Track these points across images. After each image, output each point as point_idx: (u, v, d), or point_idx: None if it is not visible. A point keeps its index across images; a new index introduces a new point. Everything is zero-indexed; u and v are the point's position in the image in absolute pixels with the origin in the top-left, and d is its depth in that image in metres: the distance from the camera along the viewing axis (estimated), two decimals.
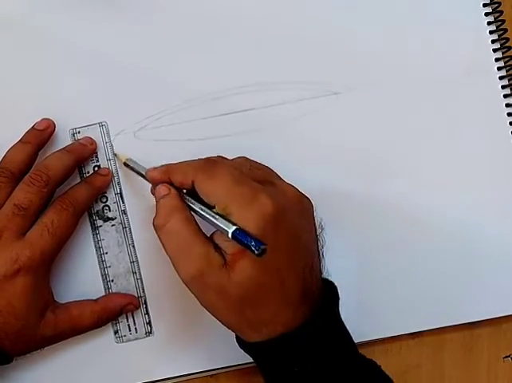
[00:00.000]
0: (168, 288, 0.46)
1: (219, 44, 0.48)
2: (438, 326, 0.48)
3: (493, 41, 0.48)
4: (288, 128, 0.48)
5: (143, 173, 0.43)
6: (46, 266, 0.43)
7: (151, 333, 0.47)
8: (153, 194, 0.42)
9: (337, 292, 0.42)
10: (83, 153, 0.46)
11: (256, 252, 0.36)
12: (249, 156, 0.46)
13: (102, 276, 0.47)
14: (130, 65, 0.47)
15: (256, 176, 0.40)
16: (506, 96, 0.48)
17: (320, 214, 0.44)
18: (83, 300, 0.46)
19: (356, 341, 0.47)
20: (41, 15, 0.47)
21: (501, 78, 0.48)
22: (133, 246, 0.47)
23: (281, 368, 0.40)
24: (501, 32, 0.48)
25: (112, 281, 0.46)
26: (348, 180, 0.48)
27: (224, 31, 0.48)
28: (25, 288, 0.41)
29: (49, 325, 0.43)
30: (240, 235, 0.37)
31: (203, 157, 0.42)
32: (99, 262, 0.46)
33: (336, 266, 0.45)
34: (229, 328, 0.41)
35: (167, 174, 0.41)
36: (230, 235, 0.37)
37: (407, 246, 0.48)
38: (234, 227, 0.37)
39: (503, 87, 0.48)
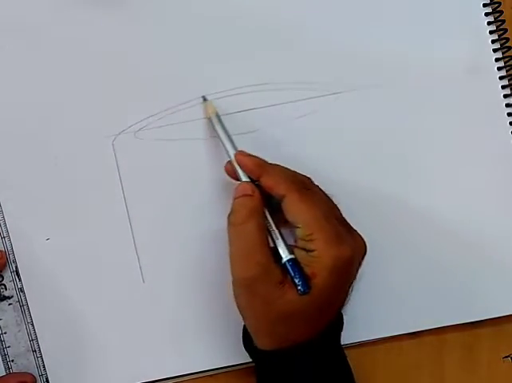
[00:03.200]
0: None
1: (220, 44, 0.48)
2: (438, 326, 0.48)
3: (493, 41, 0.48)
4: (288, 128, 0.48)
5: (228, 145, 0.43)
6: None
7: None
8: (228, 172, 0.43)
9: (343, 319, 0.43)
10: None
11: (299, 291, 0.39)
12: None
13: (2, 356, 0.46)
14: (130, 64, 0.47)
15: (337, 216, 0.42)
16: (506, 96, 0.48)
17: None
18: None
19: (356, 340, 0.47)
20: (40, 15, 0.47)
21: (501, 78, 0.48)
22: (32, 324, 0.46)
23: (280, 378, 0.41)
24: (501, 32, 0.48)
25: (13, 361, 0.46)
26: (348, 180, 0.48)
27: (224, 31, 0.48)
28: None
29: None
30: (292, 267, 0.40)
31: (291, 169, 0.43)
32: None
33: None
34: (249, 329, 0.42)
35: (259, 170, 0.41)
36: (283, 261, 0.40)
37: (406, 246, 0.48)
38: (291, 257, 0.40)
39: (503, 87, 0.48)
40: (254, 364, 0.43)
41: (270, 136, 0.47)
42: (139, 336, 0.47)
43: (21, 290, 0.46)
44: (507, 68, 0.48)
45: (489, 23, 0.48)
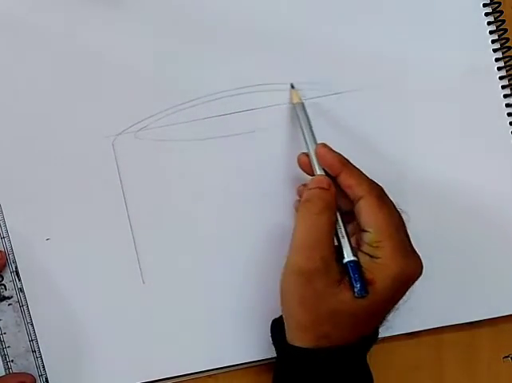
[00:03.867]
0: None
1: (220, 44, 0.48)
2: (437, 326, 0.48)
3: (493, 41, 0.48)
4: (289, 129, 0.48)
5: (309, 135, 0.44)
6: None
7: None
8: (301, 163, 0.44)
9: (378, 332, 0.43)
10: None
11: (355, 294, 0.39)
12: (249, 157, 0.47)
13: (2, 357, 0.46)
14: (131, 65, 0.47)
15: (405, 231, 0.41)
16: (506, 96, 0.48)
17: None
18: None
19: None
20: (40, 15, 0.47)
21: (501, 78, 0.48)
22: (31, 325, 0.46)
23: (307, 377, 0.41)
24: (501, 32, 0.48)
25: (12, 361, 0.46)
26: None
27: (225, 31, 0.48)
28: None
29: None
30: (353, 269, 0.39)
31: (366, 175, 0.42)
32: None
33: None
34: (286, 321, 0.41)
35: (340, 166, 0.41)
36: (345, 261, 0.40)
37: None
38: (354, 259, 0.40)
39: (503, 87, 0.48)
40: (253, 364, 0.43)
41: (271, 137, 0.47)
42: (138, 336, 0.47)
43: (21, 290, 0.46)
44: (507, 68, 0.48)
45: (489, 23, 0.48)
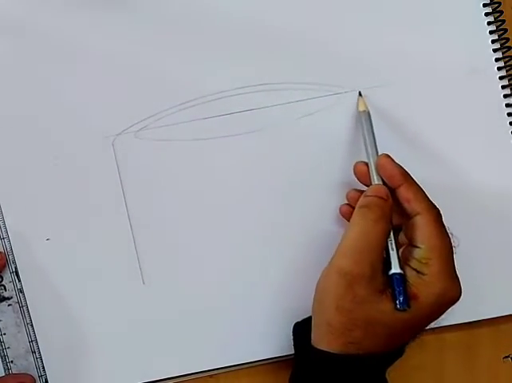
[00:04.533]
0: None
1: (220, 44, 0.48)
2: (437, 326, 0.48)
3: (493, 41, 0.48)
4: (289, 129, 0.48)
5: (371, 145, 0.44)
6: None
7: None
8: (357, 171, 0.44)
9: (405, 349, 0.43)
10: None
11: (398, 306, 0.39)
12: (249, 157, 0.47)
13: (1, 357, 0.46)
14: (131, 64, 0.47)
15: (452, 255, 0.42)
16: (506, 96, 0.48)
17: (319, 214, 0.45)
18: None
19: None
20: (40, 15, 0.47)
21: (501, 78, 0.48)
22: (31, 325, 0.46)
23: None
24: (501, 32, 0.48)
25: (12, 362, 0.46)
26: (349, 180, 0.48)
27: (225, 31, 0.48)
28: None
29: None
30: (398, 281, 0.40)
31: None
32: None
33: None
34: (317, 322, 0.41)
35: (401, 179, 0.42)
36: (390, 273, 0.40)
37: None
38: (400, 272, 0.40)
39: (503, 87, 0.48)
40: (253, 364, 0.43)
41: (271, 137, 0.47)
42: (138, 337, 0.47)
43: (21, 290, 0.46)
44: (507, 68, 0.48)
45: (489, 23, 0.48)
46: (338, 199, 0.47)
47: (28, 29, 0.47)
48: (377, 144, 0.46)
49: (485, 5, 0.48)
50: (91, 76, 0.47)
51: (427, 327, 0.42)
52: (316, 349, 0.41)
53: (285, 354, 0.47)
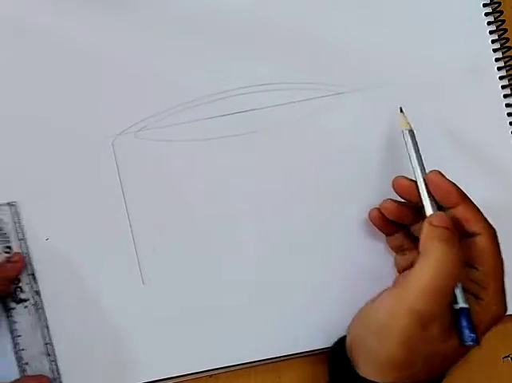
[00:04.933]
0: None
1: (220, 44, 0.48)
2: None
3: (493, 41, 0.48)
4: (290, 129, 0.48)
5: (418, 163, 0.43)
6: None
7: None
8: (400, 189, 0.43)
9: None
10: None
11: (470, 343, 0.38)
12: (249, 157, 0.47)
13: (17, 359, 0.46)
14: (131, 65, 0.47)
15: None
16: (506, 96, 0.48)
17: (319, 214, 0.45)
18: None
19: None
20: (39, 15, 0.47)
21: (501, 78, 0.48)
22: (47, 328, 0.46)
23: None
24: (501, 32, 0.48)
25: (27, 364, 0.46)
26: (349, 181, 0.48)
27: (226, 31, 0.48)
28: None
29: None
30: (463, 316, 0.39)
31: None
32: (13, 345, 0.46)
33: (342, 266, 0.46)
34: (372, 355, 0.40)
35: (458, 198, 0.41)
36: (457, 307, 0.39)
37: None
38: (467, 306, 0.39)
39: (503, 87, 0.48)
40: (253, 364, 0.43)
41: (271, 137, 0.47)
42: (138, 337, 0.47)
43: (38, 293, 0.46)
44: (507, 68, 0.48)
45: (489, 23, 0.48)
46: (339, 199, 0.47)
47: (28, 29, 0.47)
48: (377, 144, 0.46)
49: (485, 5, 0.48)
50: (91, 76, 0.47)
51: None
52: (368, 380, 0.40)
53: (284, 354, 0.47)
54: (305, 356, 0.47)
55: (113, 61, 0.47)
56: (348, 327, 0.43)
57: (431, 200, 0.42)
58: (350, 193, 0.47)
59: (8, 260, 0.45)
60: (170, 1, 0.47)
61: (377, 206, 0.46)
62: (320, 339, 0.46)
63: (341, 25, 0.48)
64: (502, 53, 0.48)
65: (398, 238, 0.45)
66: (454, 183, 0.41)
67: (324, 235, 0.47)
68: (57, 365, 0.46)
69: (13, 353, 0.46)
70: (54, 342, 0.46)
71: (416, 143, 0.44)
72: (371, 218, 0.46)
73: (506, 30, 0.48)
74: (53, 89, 0.47)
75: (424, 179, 0.42)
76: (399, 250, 0.46)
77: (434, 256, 0.38)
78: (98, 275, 0.47)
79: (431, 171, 0.42)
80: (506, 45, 0.48)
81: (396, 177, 0.44)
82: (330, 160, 0.48)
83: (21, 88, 0.47)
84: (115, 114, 0.47)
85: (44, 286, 0.46)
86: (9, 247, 0.46)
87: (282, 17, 0.48)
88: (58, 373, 0.46)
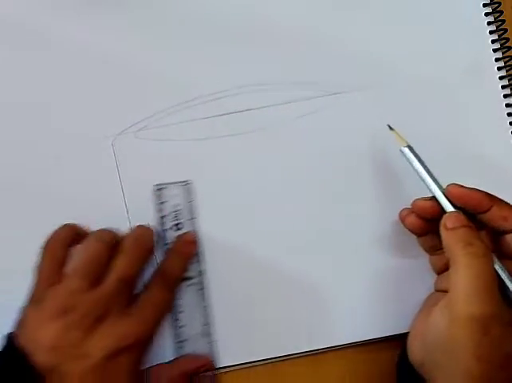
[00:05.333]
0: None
1: (220, 44, 0.48)
2: None
3: (493, 41, 0.48)
4: (288, 129, 0.48)
5: (427, 174, 0.43)
6: (149, 342, 0.42)
7: None
8: (422, 209, 0.43)
9: None
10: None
11: None
12: (249, 156, 0.47)
13: (174, 336, 0.46)
14: (131, 65, 0.47)
15: None
16: (506, 96, 0.48)
17: (319, 214, 0.45)
18: (159, 364, 0.45)
19: (356, 340, 0.47)
20: (39, 16, 0.47)
21: (501, 78, 0.48)
22: (209, 308, 0.46)
23: None
24: (501, 32, 0.48)
25: (185, 341, 0.46)
26: (348, 180, 0.48)
27: (224, 31, 0.48)
28: (133, 365, 0.40)
29: None
30: None
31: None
32: (172, 321, 0.46)
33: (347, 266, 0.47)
34: (444, 373, 0.39)
35: (490, 200, 0.41)
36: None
37: (406, 245, 0.48)
38: None
39: (503, 87, 0.48)
40: (253, 363, 0.43)
41: (270, 137, 0.47)
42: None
43: (203, 272, 0.46)
44: (507, 68, 0.48)
45: (489, 23, 0.48)
46: (338, 199, 0.47)
47: (28, 30, 0.47)
48: (377, 144, 0.46)
49: (485, 5, 0.48)
50: (91, 76, 0.47)
51: None
52: None
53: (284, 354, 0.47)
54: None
55: (113, 61, 0.47)
56: (409, 348, 0.42)
57: (458, 210, 0.41)
58: (350, 193, 0.47)
59: (187, 241, 0.45)
60: (169, 2, 0.47)
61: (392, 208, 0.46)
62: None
63: (340, 24, 0.48)
64: (502, 53, 0.48)
65: (430, 238, 0.45)
66: (475, 189, 0.41)
67: (324, 234, 0.47)
68: (215, 346, 0.46)
69: (171, 329, 0.46)
70: (215, 323, 0.46)
71: (418, 156, 0.43)
72: (402, 219, 0.45)
73: (506, 30, 0.48)
74: (53, 89, 0.47)
75: (444, 194, 0.42)
76: (432, 250, 0.45)
77: (462, 262, 0.38)
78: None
79: (449, 186, 0.42)
80: (506, 45, 0.48)
81: (414, 201, 0.43)
82: (328, 160, 0.48)
83: (21, 88, 0.47)
84: (115, 114, 0.47)
85: (209, 266, 0.46)
86: (178, 225, 0.46)
87: (280, 17, 0.48)
88: (215, 355, 0.46)
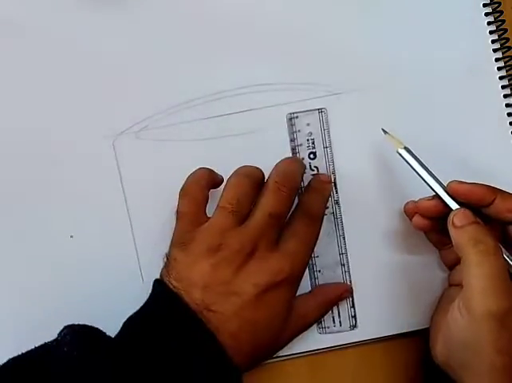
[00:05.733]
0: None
1: (220, 44, 0.48)
2: None
3: (493, 41, 0.48)
4: (288, 129, 0.48)
5: (427, 174, 0.43)
6: (299, 277, 0.42)
7: (355, 326, 0.47)
8: (423, 209, 0.43)
9: None
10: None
11: None
12: (249, 157, 0.47)
13: (309, 265, 0.46)
14: (131, 65, 0.47)
15: None
16: (506, 96, 0.48)
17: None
18: (301, 296, 0.44)
19: (356, 340, 0.47)
20: (39, 16, 0.47)
21: (501, 78, 0.48)
22: (343, 238, 0.47)
23: None
24: (501, 32, 0.48)
25: (320, 271, 0.46)
26: (348, 180, 0.48)
27: (224, 31, 0.48)
28: (285, 300, 0.41)
29: (287, 330, 0.42)
30: None
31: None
32: None
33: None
34: (472, 372, 0.39)
35: (493, 192, 0.41)
36: None
37: (407, 245, 0.48)
38: None
39: (503, 87, 0.48)
40: None
41: (270, 137, 0.48)
42: None
43: (337, 202, 0.47)
44: (507, 68, 0.48)
45: (489, 23, 0.48)
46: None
47: (28, 29, 0.47)
48: (376, 144, 0.46)
49: (485, 5, 0.48)
50: (91, 76, 0.47)
51: None
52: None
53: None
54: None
55: (113, 61, 0.47)
56: (433, 349, 0.43)
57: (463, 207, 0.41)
58: (349, 193, 0.47)
59: (324, 181, 0.46)
60: (169, 2, 0.47)
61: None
62: None
63: (339, 25, 0.48)
64: (502, 53, 0.48)
65: (438, 234, 0.45)
66: (477, 183, 0.42)
67: (324, 232, 0.47)
68: (350, 276, 0.46)
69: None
70: (349, 253, 0.47)
71: (416, 156, 0.43)
72: (407, 214, 0.45)
73: (506, 30, 0.48)
74: (53, 90, 0.47)
75: (447, 191, 0.42)
76: (441, 245, 0.46)
77: (474, 260, 0.38)
78: (96, 274, 0.47)
79: (450, 183, 0.42)
80: (506, 45, 0.48)
81: (417, 202, 0.44)
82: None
83: (21, 89, 0.47)
84: (115, 114, 0.47)
85: (343, 196, 0.47)
86: (314, 154, 0.47)
87: (280, 17, 0.48)
88: (350, 284, 0.47)
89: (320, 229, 0.44)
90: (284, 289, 0.40)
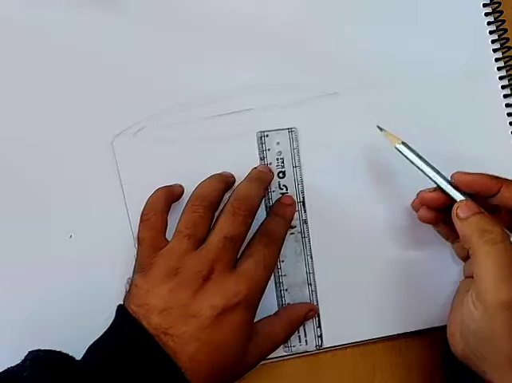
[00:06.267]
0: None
1: (219, 44, 0.48)
2: (438, 325, 0.48)
3: (493, 41, 0.48)
4: (288, 129, 0.48)
5: (428, 167, 0.42)
6: (258, 299, 0.42)
7: (321, 346, 0.47)
8: (427, 200, 0.43)
9: None
10: (268, 180, 0.46)
11: None
12: (249, 157, 0.47)
13: (276, 284, 0.46)
14: (130, 65, 0.47)
15: None
16: (506, 96, 0.48)
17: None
18: (267, 317, 0.45)
19: (356, 340, 0.47)
20: (39, 15, 0.47)
21: (501, 78, 0.48)
22: (311, 257, 0.46)
23: None
24: (501, 32, 0.48)
25: (286, 290, 0.46)
26: (347, 180, 0.48)
27: (224, 31, 0.48)
28: (244, 322, 0.40)
29: (253, 352, 0.42)
30: None
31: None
32: (276, 271, 0.46)
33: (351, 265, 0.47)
34: (490, 363, 0.39)
35: (498, 182, 0.41)
36: None
37: (407, 244, 0.48)
38: None
39: (503, 87, 0.48)
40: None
41: (270, 137, 0.47)
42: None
43: (305, 221, 0.47)
44: (507, 68, 0.48)
45: (489, 23, 0.48)
46: (339, 198, 0.47)
47: (27, 29, 0.47)
48: (376, 143, 0.46)
49: (485, 5, 0.48)
50: (90, 76, 0.47)
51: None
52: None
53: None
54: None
55: (112, 61, 0.47)
56: (451, 343, 0.43)
57: (466, 198, 0.41)
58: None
59: (285, 204, 0.46)
60: (169, 2, 0.47)
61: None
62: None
63: (339, 25, 0.48)
64: (502, 53, 0.48)
65: (446, 227, 0.45)
66: (481, 173, 0.41)
67: (323, 232, 0.47)
68: (317, 295, 0.46)
69: (272, 278, 0.46)
70: (316, 273, 0.47)
71: (415, 150, 0.43)
72: (415, 210, 0.45)
73: (506, 30, 0.48)
74: (52, 90, 0.47)
75: (449, 182, 0.42)
76: (451, 238, 0.46)
77: (482, 250, 0.38)
78: (96, 273, 0.46)
79: (454, 174, 0.42)
80: (506, 45, 0.48)
81: (419, 194, 0.44)
82: (326, 160, 0.48)
83: (20, 89, 0.47)
84: (114, 114, 0.47)
85: (311, 215, 0.47)
86: (283, 173, 0.47)
87: (281, 17, 0.48)
88: (317, 304, 0.47)
89: (280, 251, 0.44)
90: (241, 311, 0.40)
